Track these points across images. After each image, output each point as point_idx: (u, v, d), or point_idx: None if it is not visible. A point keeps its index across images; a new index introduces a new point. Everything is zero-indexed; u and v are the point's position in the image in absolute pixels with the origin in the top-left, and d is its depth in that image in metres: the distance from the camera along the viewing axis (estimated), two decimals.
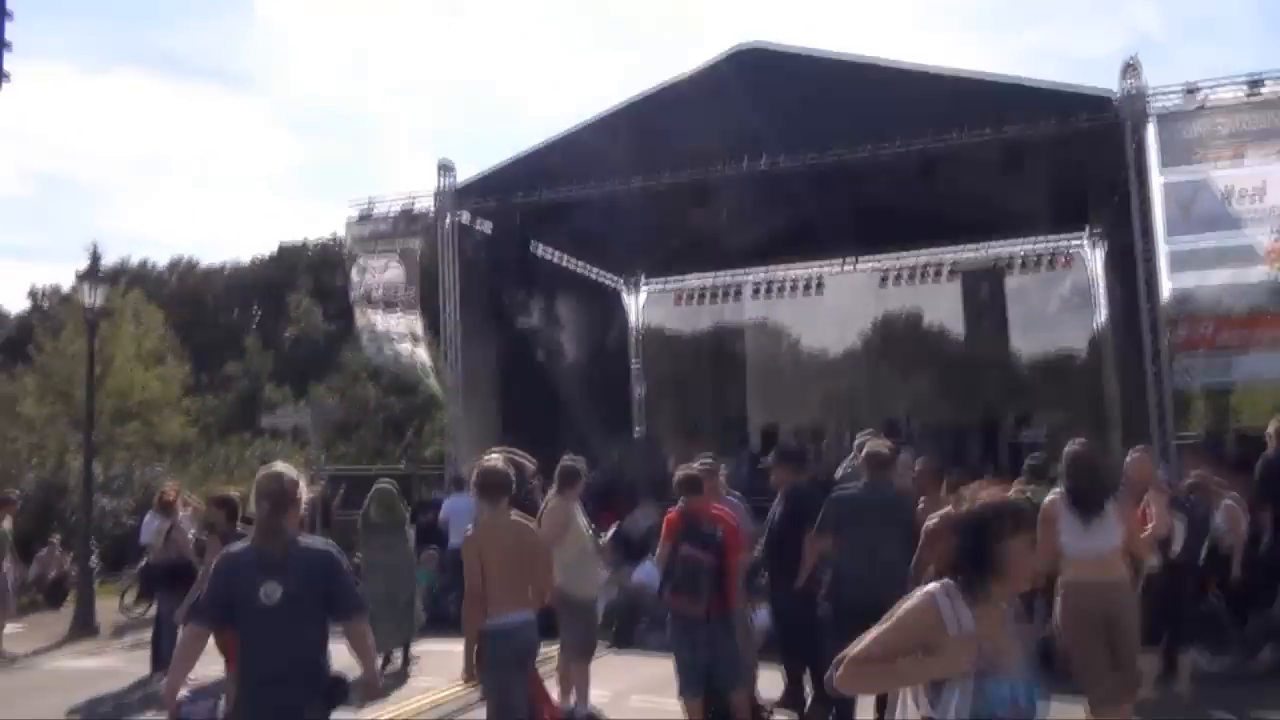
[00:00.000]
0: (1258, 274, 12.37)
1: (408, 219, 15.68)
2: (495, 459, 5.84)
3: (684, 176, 14.41)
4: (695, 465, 6.95)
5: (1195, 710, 7.19)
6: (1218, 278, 12.54)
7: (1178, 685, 7.37)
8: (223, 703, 4.85)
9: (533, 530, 5.65)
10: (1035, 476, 8.57)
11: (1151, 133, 12.63)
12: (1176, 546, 7.01)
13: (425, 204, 15.59)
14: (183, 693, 4.68)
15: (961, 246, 19.44)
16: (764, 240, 19.55)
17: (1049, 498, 6.19)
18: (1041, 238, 19.18)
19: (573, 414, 18.63)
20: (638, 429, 21.09)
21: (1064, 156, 13.95)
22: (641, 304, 21.95)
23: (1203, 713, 7.15)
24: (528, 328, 17.97)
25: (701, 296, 21.05)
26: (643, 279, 21.67)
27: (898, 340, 21.35)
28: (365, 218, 15.91)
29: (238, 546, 4.31)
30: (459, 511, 11.46)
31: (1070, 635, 5.99)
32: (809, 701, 7.32)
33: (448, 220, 15.59)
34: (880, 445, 6.82)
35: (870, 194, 18.86)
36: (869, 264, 20.00)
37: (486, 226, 16.34)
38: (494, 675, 5.47)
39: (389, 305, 15.73)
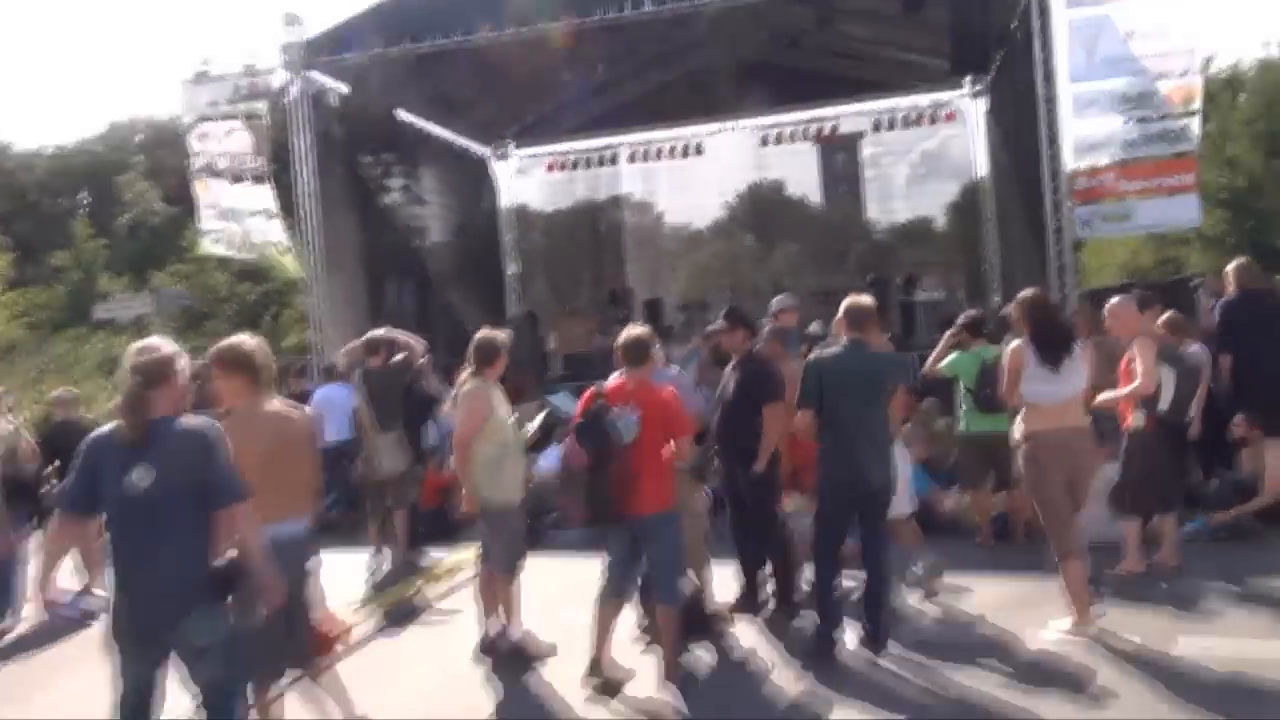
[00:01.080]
0: (1160, 119, 12.06)
1: (251, 80, 13.89)
2: (241, 335, 4.80)
3: (559, 26, 13.16)
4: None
5: (1184, 579, 6.70)
6: (1120, 124, 12.18)
7: (1161, 554, 6.88)
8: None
9: (295, 420, 4.59)
10: (975, 332, 8.13)
11: None
12: (1164, 402, 6.51)
13: (272, 62, 13.87)
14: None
15: (839, 105, 18.73)
16: (642, 99, 18.53)
17: (1014, 344, 5.80)
18: (920, 94, 18.65)
19: (443, 293, 17.54)
20: (513, 308, 20.07)
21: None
22: (512, 173, 20.64)
23: (1193, 583, 6.61)
24: (391, 202, 16.54)
25: (575, 164, 19.95)
26: (512, 147, 20.32)
27: (767, 206, 20.92)
28: (202, 78, 14.03)
29: (107, 427, 3.83)
30: (333, 402, 10.37)
31: (1040, 491, 5.68)
32: (767, 604, 6.52)
33: (297, 81, 13.95)
34: (861, 298, 5.81)
35: (756, 45, 18.01)
36: (749, 124, 19.10)
37: (342, 88, 14.75)
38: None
39: (236, 177, 14.03)
